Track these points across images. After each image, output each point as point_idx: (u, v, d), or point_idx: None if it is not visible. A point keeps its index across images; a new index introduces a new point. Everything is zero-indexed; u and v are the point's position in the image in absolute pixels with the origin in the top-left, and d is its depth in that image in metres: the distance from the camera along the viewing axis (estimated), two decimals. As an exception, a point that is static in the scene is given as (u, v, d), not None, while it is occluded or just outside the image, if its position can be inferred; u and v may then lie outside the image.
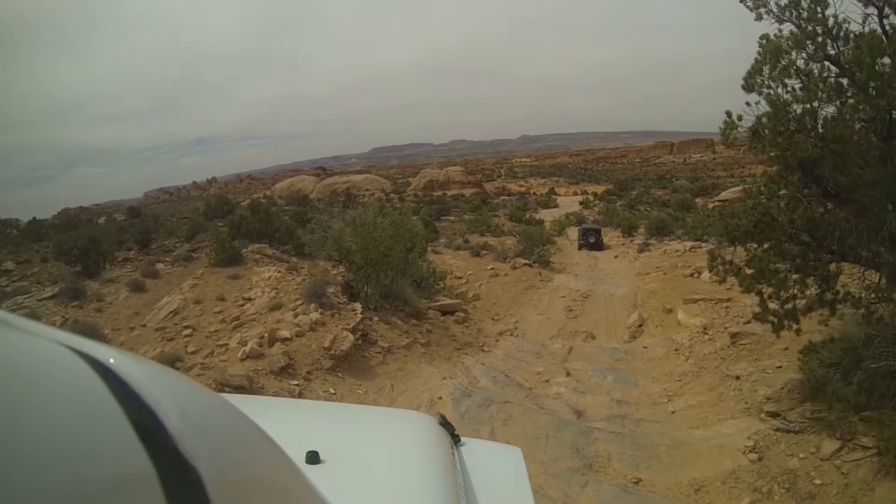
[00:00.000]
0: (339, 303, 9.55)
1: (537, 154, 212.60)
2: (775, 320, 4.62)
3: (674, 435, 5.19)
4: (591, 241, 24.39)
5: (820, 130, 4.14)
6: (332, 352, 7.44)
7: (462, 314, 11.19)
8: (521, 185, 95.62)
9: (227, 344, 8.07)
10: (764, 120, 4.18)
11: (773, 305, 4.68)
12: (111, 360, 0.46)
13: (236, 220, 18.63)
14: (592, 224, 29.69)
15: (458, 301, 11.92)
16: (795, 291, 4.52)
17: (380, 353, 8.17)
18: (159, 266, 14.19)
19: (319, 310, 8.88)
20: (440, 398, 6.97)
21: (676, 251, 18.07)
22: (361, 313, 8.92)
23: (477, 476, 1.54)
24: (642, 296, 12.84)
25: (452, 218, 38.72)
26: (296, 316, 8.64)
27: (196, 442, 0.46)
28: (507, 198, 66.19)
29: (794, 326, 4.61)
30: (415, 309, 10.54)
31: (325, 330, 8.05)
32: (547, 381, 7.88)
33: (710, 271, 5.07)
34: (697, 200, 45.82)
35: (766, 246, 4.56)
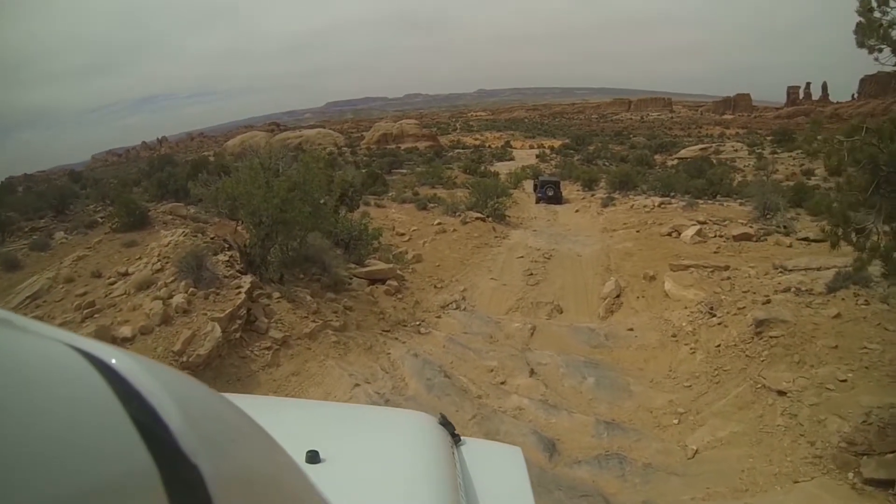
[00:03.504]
0: (227, 276, 7.03)
1: (493, 108, 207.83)
2: None
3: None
4: (550, 195, 22.64)
5: None
6: (186, 358, 4.98)
7: (395, 283, 8.86)
8: (476, 139, 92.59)
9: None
10: None
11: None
12: (113, 360, 0.46)
13: (164, 178, 16.88)
14: (550, 177, 27.79)
15: (393, 265, 9.56)
16: None
17: (268, 348, 5.77)
18: (59, 235, 12.67)
19: (192, 288, 6.36)
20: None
21: (644, 206, 16.52)
22: (249, 291, 6.46)
23: (477, 476, 1.51)
24: (615, 257, 10.83)
25: (404, 171, 36.89)
26: (153, 300, 6.11)
27: (198, 440, 0.46)
28: (461, 151, 63.65)
29: None
30: (334, 278, 8.16)
31: (184, 322, 5.55)
32: (503, 383, 5.73)
33: (833, 247, 2.90)
34: (656, 157, 45.61)
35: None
